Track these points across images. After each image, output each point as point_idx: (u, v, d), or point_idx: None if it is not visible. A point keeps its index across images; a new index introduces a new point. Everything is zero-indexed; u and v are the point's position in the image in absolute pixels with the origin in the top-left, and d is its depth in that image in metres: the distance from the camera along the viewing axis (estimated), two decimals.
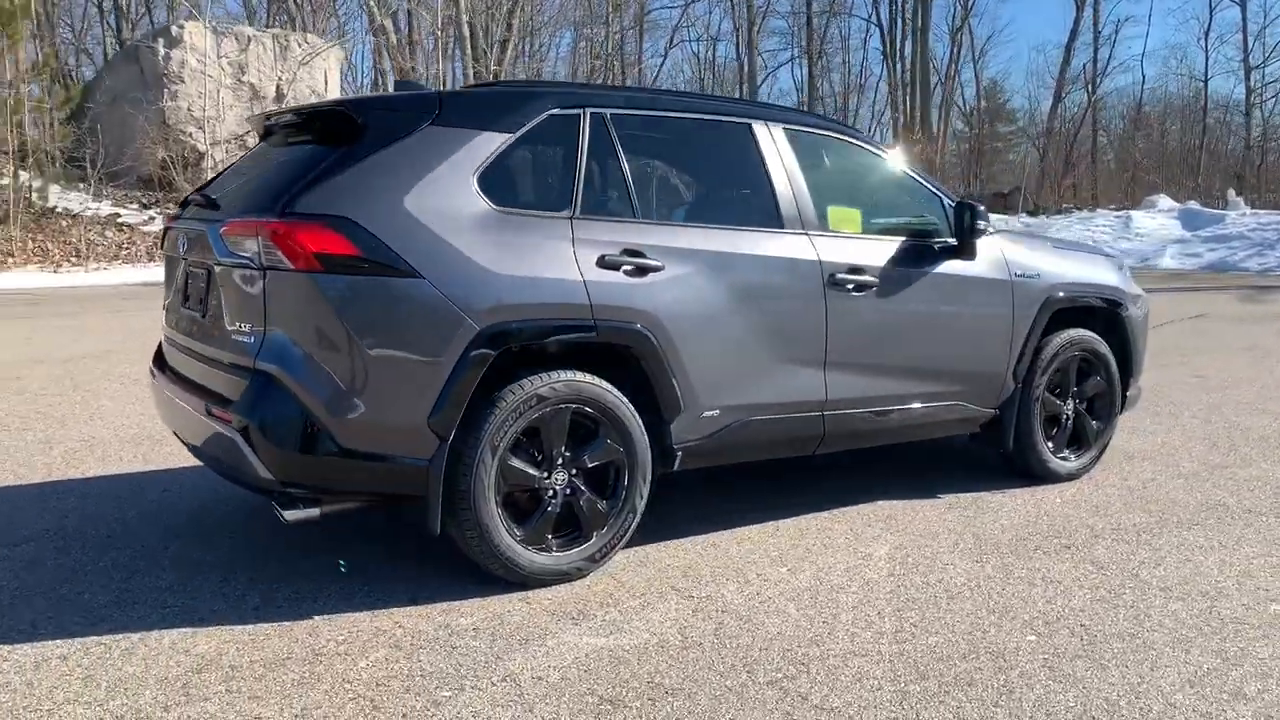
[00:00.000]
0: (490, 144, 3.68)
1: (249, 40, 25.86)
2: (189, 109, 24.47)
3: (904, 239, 4.58)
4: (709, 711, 2.82)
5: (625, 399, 3.81)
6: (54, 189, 22.09)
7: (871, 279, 4.39)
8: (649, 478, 3.92)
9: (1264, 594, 3.71)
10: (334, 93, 26.78)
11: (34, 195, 20.92)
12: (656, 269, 3.84)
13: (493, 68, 30.22)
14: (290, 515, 3.45)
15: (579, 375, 3.71)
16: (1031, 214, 30.13)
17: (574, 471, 3.75)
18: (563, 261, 3.65)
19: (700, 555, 4.09)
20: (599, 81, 35.54)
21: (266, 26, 29.60)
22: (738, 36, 43.09)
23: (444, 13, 30.71)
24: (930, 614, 3.51)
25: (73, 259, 19.61)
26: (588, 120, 3.92)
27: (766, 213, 4.24)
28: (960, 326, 4.77)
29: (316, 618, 3.42)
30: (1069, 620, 3.47)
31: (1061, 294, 5.09)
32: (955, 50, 43.62)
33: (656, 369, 3.84)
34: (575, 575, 3.77)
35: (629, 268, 3.78)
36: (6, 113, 20.57)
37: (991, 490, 5.00)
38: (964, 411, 4.84)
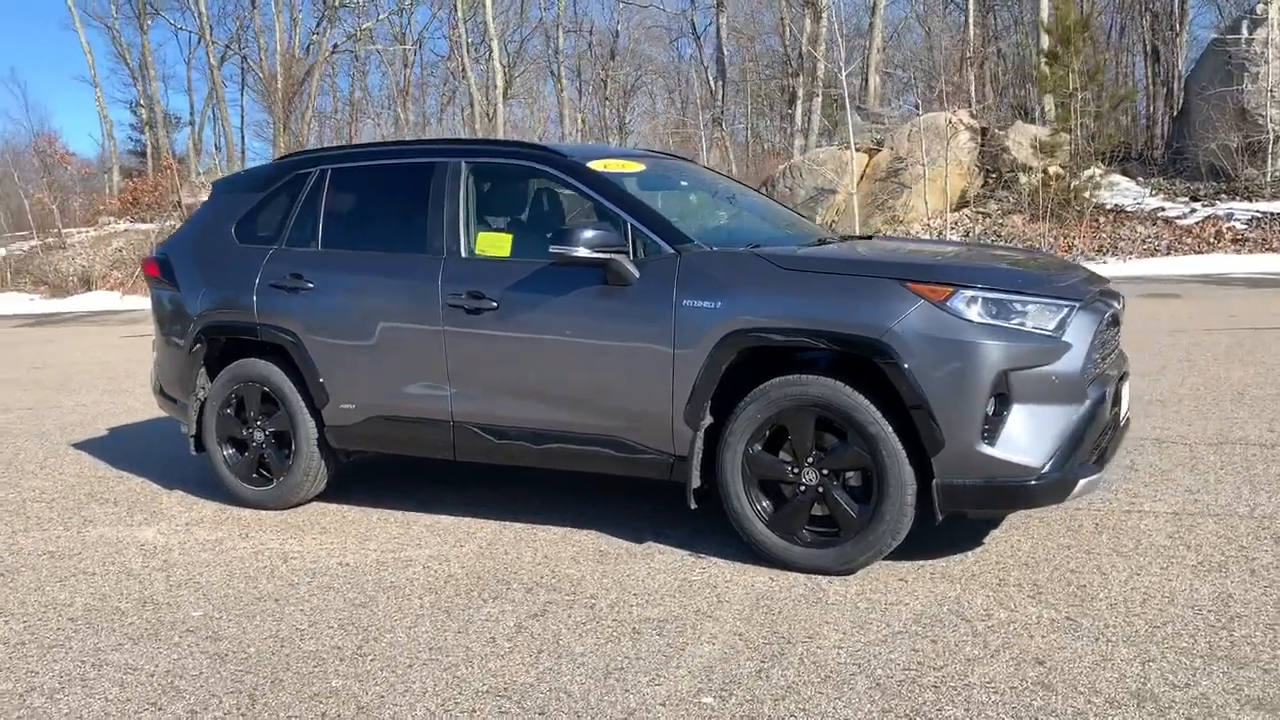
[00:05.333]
0: (250, 200, 5.42)
1: None
2: (1271, 91, 23.08)
3: (549, 262, 4.42)
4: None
5: (291, 384, 5.10)
6: (1125, 185, 23.24)
7: (491, 303, 4.50)
8: (312, 450, 5.08)
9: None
10: None
11: (1087, 191, 22.19)
12: (308, 288, 5.01)
13: None
14: (183, 429, 5.85)
15: (259, 361, 5.19)
16: None
17: (268, 433, 5.24)
18: (248, 281, 5.18)
19: (315, 518, 5.05)
20: None
21: None
22: None
23: None
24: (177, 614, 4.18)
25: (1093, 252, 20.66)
26: (315, 175, 5.22)
27: (415, 239, 4.80)
28: (596, 357, 4.30)
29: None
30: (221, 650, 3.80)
31: (753, 329, 3.96)
32: None
33: (303, 364, 5.03)
34: (262, 506, 5.26)
35: (288, 286, 5.06)
36: (1074, 116, 22.60)
37: (710, 557, 4.26)
38: (632, 452, 4.31)
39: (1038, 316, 3.81)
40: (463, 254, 4.69)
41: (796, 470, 4.01)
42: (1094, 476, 3.89)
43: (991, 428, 3.73)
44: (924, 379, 3.71)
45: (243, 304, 5.18)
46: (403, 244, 4.89)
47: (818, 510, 4.02)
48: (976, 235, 21.93)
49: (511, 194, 5.02)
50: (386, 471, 5.84)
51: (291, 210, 5.26)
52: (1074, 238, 21.02)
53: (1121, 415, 4.32)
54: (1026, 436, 3.74)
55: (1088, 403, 3.86)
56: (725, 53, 33.42)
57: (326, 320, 4.96)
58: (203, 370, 5.39)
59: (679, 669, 3.24)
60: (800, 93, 29.03)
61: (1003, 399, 3.74)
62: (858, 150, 23.43)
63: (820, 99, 28.35)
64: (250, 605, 3.95)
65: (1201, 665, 3.10)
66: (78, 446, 7.06)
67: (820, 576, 3.95)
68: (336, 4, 40.75)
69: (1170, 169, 23.90)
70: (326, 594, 4.04)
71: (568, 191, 4.78)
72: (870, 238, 6.05)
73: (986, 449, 3.71)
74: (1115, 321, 4.30)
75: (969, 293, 3.79)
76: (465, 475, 5.46)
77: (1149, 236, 21.30)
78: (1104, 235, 21.28)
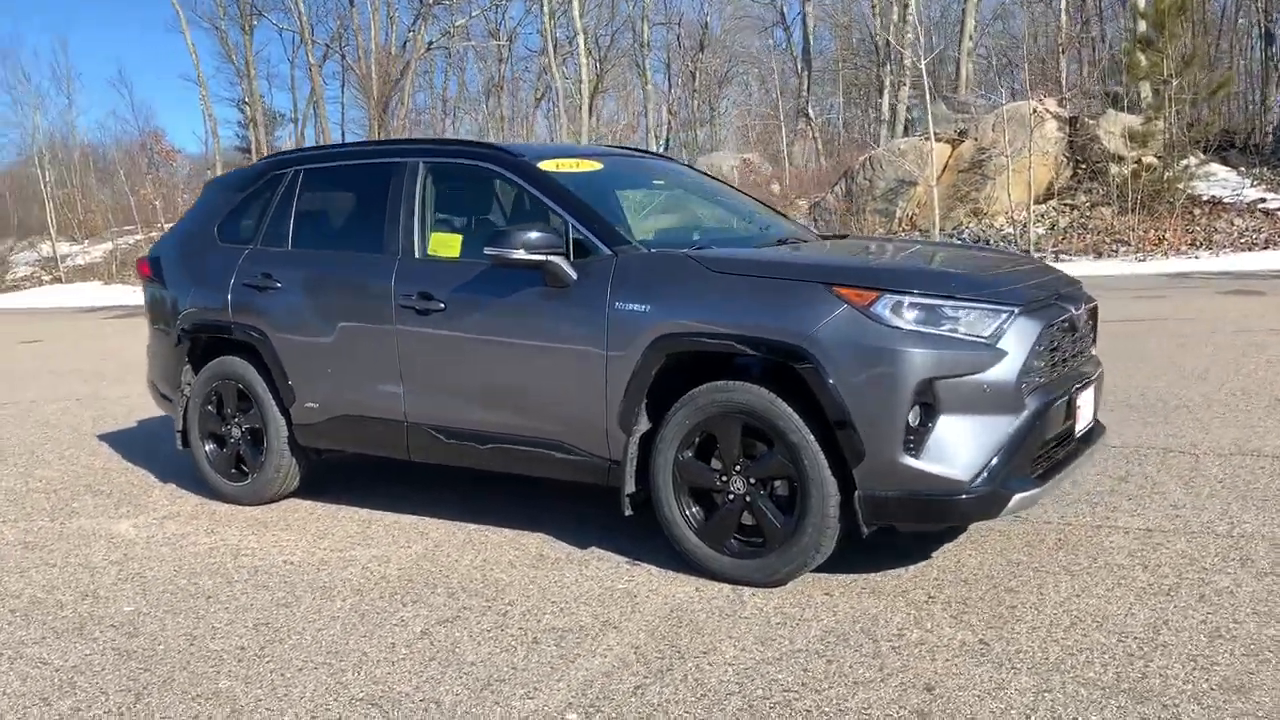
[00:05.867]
0: (232, 200, 5.52)
1: None
2: None
3: (490, 264, 4.36)
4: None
5: (263, 383, 5.17)
6: (1224, 175, 22.12)
7: (439, 304, 4.49)
8: (283, 447, 5.16)
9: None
10: None
11: (1181, 182, 21.10)
12: (276, 288, 5.07)
13: None
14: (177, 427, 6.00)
15: (236, 359, 5.28)
16: None
17: (244, 429, 5.32)
18: (224, 280, 5.27)
19: (285, 515, 5.11)
20: None
21: None
22: None
23: None
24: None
25: (1184, 246, 19.71)
26: (289, 175, 5.28)
27: (374, 240, 4.81)
28: (535, 359, 4.25)
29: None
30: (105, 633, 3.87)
31: (682, 333, 3.86)
32: None
33: (271, 363, 5.10)
34: (238, 501, 5.35)
35: (258, 286, 5.13)
36: (1168, 105, 21.54)
37: (650, 567, 4.18)
38: (571, 455, 4.25)
39: (970, 322, 3.63)
40: (416, 254, 4.69)
41: (725, 478, 3.90)
42: (1032, 492, 3.69)
43: (916, 439, 3.56)
44: (844, 387, 3.57)
45: (220, 302, 5.27)
46: (363, 244, 4.91)
47: (748, 519, 3.91)
48: (1062, 228, 21.18)
49: (464, 194, 5.00)
50: (363, 469, 5.89)
51: (267, 210, 5.33)
52: (1165, 230, 20.11)
53: (1078, 426, 4.09)
54: (953, 448, 3.56)
55: (1025, 413, 3.65)
56: (810, 42, 32.94)
57: (292, 320, 5.01)
58: (188, 367, 5.51)
59: (559, 683, 3.17)
60: (887, 82, 28.44)
61: (928, 409, 3.57)
62: (941, 141, 22.79)
63: (907, 88, 27.73)
64: (181, 602, 4.02)
65: (1100, 698, 2.90)
66: (102, 438, 7.30)
67: (745, 588, 3.84)
68: (432, 1, 41.41)
69: (1274, 158, 22.73)
70: (258, 592, 4.09)
71: (518, 191, 4.73)
72: (844, 237, 5.88)
73: (910, 460, 3.55)
74: (1072, 327, 4.06)
75: (895, 297, 3.62)
76: (436, 475, 5.44)
77: (1247, 229, 20.25)
78: (1198, 228, 20.31)
